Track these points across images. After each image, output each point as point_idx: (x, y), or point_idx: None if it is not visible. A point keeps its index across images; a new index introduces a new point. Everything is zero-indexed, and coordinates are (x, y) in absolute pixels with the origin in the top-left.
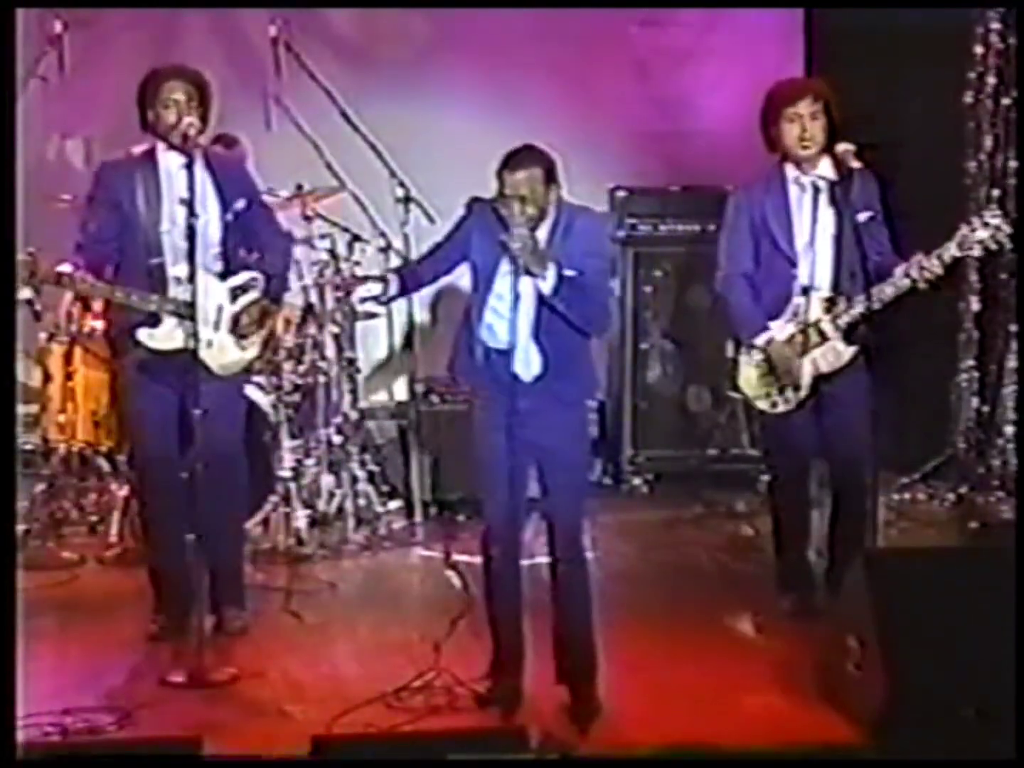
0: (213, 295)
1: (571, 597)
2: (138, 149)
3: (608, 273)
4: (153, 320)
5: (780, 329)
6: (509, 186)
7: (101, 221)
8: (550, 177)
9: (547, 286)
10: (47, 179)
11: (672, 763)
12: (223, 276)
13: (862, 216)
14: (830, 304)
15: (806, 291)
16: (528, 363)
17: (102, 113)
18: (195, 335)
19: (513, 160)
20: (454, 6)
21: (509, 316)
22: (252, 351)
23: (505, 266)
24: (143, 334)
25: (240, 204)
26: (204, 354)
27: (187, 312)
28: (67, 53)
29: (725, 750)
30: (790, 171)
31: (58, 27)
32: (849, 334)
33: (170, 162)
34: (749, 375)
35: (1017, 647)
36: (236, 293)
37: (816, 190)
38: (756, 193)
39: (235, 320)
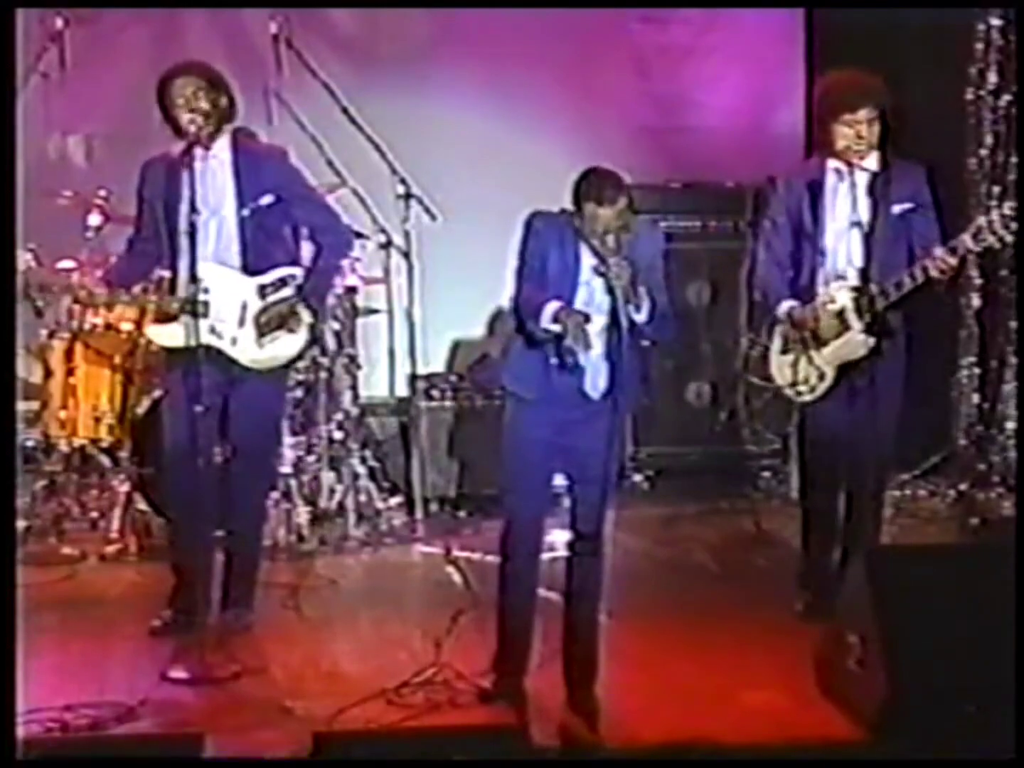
0: (236, 291)
1: (584, 589)
2: (176, 148)
3: (665, 288)
4: (164, 317)
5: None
6: (601, 222)
7: (141, 220)
8: (631, 202)
9: (642, 316)
10: (48, 176)
11: (673, 760)
12: (252, 272)
13: (897, 208)
14: (857, 294)
15: (833, 280)
16: (597, 381)
17: (103, 109)
18: (196, 330)
19: (602, 194)
20: (455, 5)
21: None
22: (290, 348)
23: (583, 288)
24: (151, 331)
25: (267, 199)
26: (230, 350)
27: (201, 310)
28: (68, 49)
29: (726, 747)
30: (831, 161)
31: (59, 23)
32: (872, 325)
33: (194, 159)
34: (780, 362)
35: (1017, 644)
36: (267, 290)
37: (854, 180)
38: (795, 183)
39: (260, 317)
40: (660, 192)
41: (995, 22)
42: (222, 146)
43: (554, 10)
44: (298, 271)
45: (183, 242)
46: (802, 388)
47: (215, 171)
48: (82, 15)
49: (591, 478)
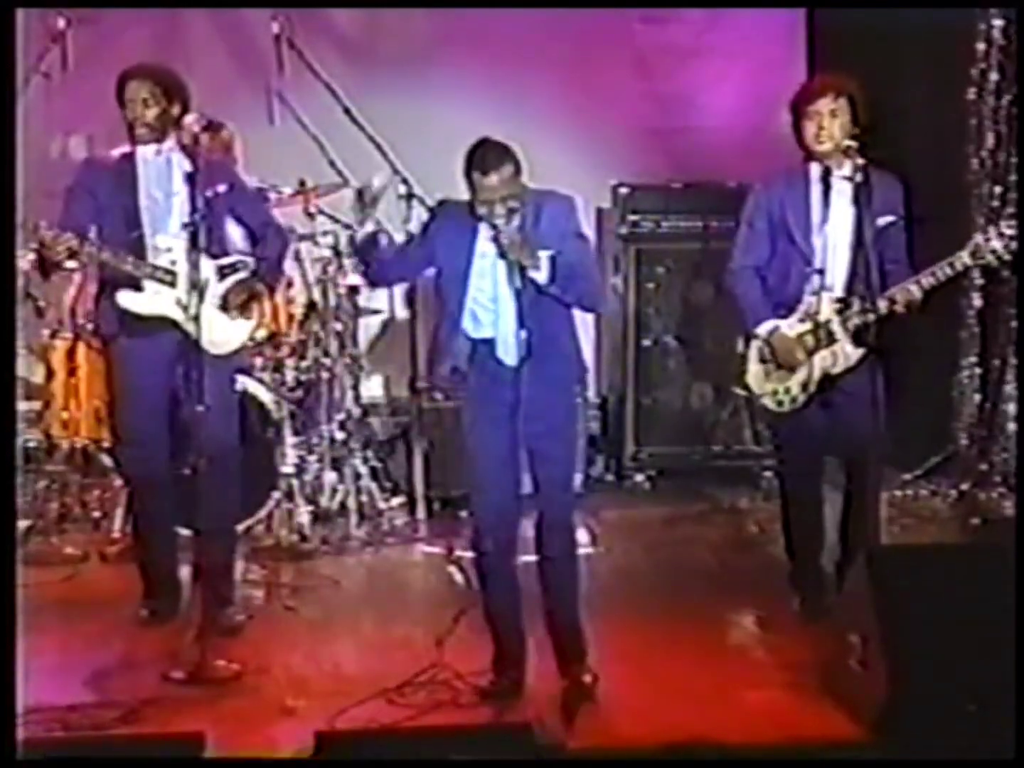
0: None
1: (562, 592)
2: (118, 151)
3: (590, 251)
4: (135, 286)
5: (790, 327)
6: (487, 190)
7: (75, 207)
8: (518, 170)
9: (542, 276)
10: (49, 176)
11: (674, 760)
12: (211, 255)
13: (882, 220)
14: (842, 306)
15: (819, 291)
16: (509, 348)
17: (105, 109)
18: (190, 307)
19: (484, 163)
20: (457, 5)
21: (492, 306)
22: (241, 332)
23: (480, 260)
24: (125, 298)
25: (221, 188)
26: (192, 328)
27: (168, 279)
28: (70, 49)
29: (728, 746)
30: (814, 169)
31: (61, 23)
32: (858, 337)
33: (146, 151)
34: (756, 372)
35: (1018, 644)
36: (224, 272)
37: (838, 190)
38: (777, 188)
39: (222, 296)
40: (660, 192)
41: (996, 22)
42: (172, 143)
43: (554, 10)
44: (249, 259)
45: (148, 219)
46: (782, 398)
47: (171, 160)
48: (84, 15)
49: (553, 475)
